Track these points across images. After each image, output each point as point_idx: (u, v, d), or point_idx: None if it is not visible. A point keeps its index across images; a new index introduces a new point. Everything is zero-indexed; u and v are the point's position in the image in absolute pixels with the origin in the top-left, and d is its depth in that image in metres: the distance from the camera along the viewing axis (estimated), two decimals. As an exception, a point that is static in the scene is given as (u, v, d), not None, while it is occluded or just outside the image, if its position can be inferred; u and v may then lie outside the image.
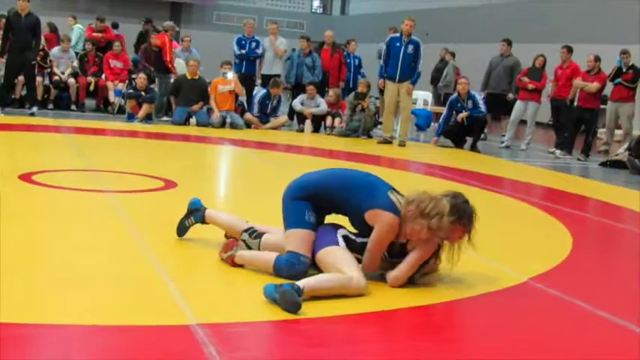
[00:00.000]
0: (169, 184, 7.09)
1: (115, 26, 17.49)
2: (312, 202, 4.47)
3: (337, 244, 4.33)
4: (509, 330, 3.96)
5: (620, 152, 12.75)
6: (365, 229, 4.41)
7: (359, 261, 4.37)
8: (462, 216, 4.32)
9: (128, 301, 3.78)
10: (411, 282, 4.39)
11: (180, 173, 7.92)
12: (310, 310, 3.79)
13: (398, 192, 4.46)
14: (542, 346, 3.74)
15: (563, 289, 4.46)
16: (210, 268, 4.58)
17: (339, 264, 4.18)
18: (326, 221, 4.60)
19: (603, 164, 12.63)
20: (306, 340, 3.54)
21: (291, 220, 4.45)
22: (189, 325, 3.43)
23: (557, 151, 13.71)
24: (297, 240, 4.37)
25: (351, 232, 4.50)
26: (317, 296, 3.96)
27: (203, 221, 5.02)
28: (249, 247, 4.64)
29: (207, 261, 4.76)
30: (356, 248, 4.40)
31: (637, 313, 4.20)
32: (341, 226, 4.52)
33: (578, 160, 13.21)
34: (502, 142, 14.45)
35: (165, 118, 13.80)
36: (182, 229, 5.05)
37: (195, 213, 5.05)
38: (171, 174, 7.63)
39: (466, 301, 4.23)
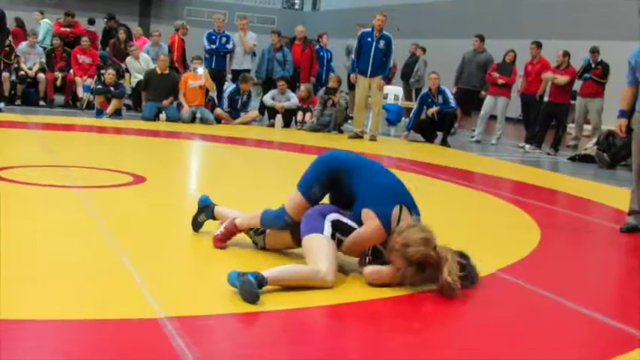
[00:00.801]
0: (138, 179, 7.08)
1: (92, 22, 17.37)
2: (330, 177, 4.62)
3: (322, 232, 4.37)
4: (477, 319, 4.02)
5: (589, 147, 12.88)
6: (360, 221, 4.49)
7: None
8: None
9: (96, 296, 3.77)
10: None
11: (149, 168, 7.90)
12: (275, 301, 3.82)
13: (411, 207, 4.48)
14: (508, 334, 3.80)
15: (531, 280, 4.51)
16: (178, 263, 4.60)
17: (316, 253, 4.25)
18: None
19: (572, 158, 12.75)
20: (274, 332, 3.57)
21: (301, 183, 4.69)
22: (157, 319, 3.44)
23: (527, 146, 13.83)
24: (293, 202, 4.63)
25: (345, 215, 4.52)
26: (285, 286, 4.03)
27: (213, 217, 5.19)
28: (256, 243, 4.89)
29: (175, 256, 4.78)
30: (345, 231, 4.45)
31: (602, 303, 4.27)
32: (335, 210, 4.55)
33: (548, 154, 13.33)
34: (472, 137, 14.55)
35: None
36: (197, 225, 5.24)
37: (206, 210, 5.23)
38: (140, 169, 7.61)
39: (435, 293, 4.27)
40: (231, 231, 4.90)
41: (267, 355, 3.21)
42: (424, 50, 18.30)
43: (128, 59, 14.84)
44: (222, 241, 4.91)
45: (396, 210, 4.41)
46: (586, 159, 12.51)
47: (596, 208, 8.21)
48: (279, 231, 4.74)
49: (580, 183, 10.01)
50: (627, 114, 6.57)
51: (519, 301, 4.28)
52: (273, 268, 4.09)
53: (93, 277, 4.09)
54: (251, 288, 3.78)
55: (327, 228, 4.40)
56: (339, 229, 4.44)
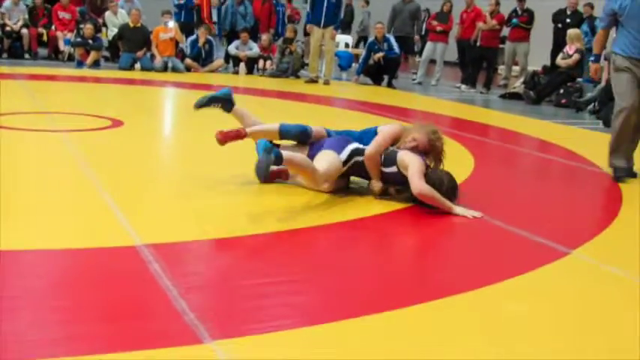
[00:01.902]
0: (116, 123, 6.97)
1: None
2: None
3: (338, 153, 4.58)
4: (412, 238, 4.07)
5: (517, 85, 12.96)
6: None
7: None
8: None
9: (77, 228, 3.73)
10: (385, 193, 4.65)
11: (126, 113, 7.77)
12: (252, 226, 3.82)
13: None
14: (441, 252, 3.85)
15: (463, 202, 4.54)
16: (156, 197, 4.55)
17: (322, 160, 4.50)
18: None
19: (502, 96, 12.83)
20: (246, 254, 3.57)
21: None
22: (134, 246, 3.41)
23: (463, 86, 13.86)
24: (316, 127, 4.90)
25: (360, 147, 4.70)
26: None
27: (228, 110, 5.20)
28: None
29: (153, 191, 4.74)
30: (361, 153, 4.63)
31: (526, 221, 4.33)
32: (359, 141, 4.76)
33: (481, 93, 13.38)
34: (414, 80, 14.54)
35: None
36: (203, 104, 5.18)
37: (225, 102, 5.20)
38: (118, 114, 7.49)
39: (384, 215, 4.30)
40: (238, 134, 4.79)
41: (239, 274, 3.20)
42: (367, 2, 18.24)
43: (107, 14, 14.57)
44: (226, 136, 4.77)
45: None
46: (514, 96, 12.60)
47: (523, 139, 8.28)
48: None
49: (509, 118, 10.07)
50: (599, 57, 6.31)
51: (451, 221, 4.31)
52: (287, 151, 4.32)
53: (74, 211, 4.04)
54: (266, 168, 4.05)
55: (345, 154, 4.59)
56: (357, 153, 4.62)
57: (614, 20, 5.84)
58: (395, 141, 4.71)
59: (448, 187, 4.45)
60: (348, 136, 4.85)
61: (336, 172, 4.56)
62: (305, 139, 4.82)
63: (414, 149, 4.61)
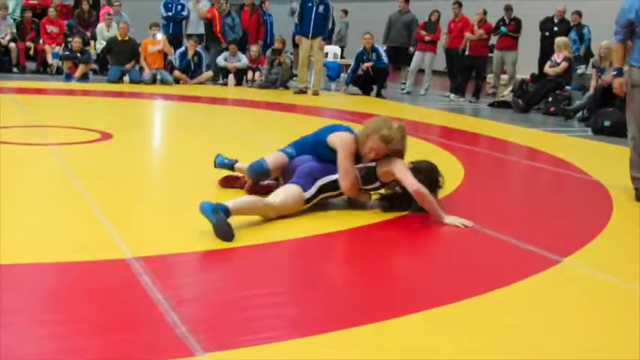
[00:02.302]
0: (105, 136, 6.96)
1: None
2: (299, 147, 4.88)
3: (304, 190, 4.40)
4: (404, 248, 4.07)
5: (506, 94, 13.04)
6: (333, 156, 4.61)
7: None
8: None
9: (67, 241, 3.71)
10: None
11: (115, 126, 7.76)
12: (242, 238, 3.82)
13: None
14: (432, 260, 3.85)
15: (453, 211, 4.54)
16: (146, 210, 4.55)
17: (282, 193, 4.34)
18: None
19: (491, 105, 12.88)
20: (234, 267, 3.56)
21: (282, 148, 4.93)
22: (125, 259, 3.40)
23: (452, 95, 13.90)
24: (272, 155, 4.83)
25: (335, 173, 4.55)
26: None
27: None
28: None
29: (143, 203, 4.74)
30: (332, 187, 4.53)
31: (517, 230, 4.33)
32: (330, 172, 4.56)
33: (470, 102, 13.43)
34: (403, 89, 14.57)
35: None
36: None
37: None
38: (107, 127, 7.48)
39: (374, 225, 4.31)
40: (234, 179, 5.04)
41: (230, 286, 3.20)
42: (346, 12, 18.44)
43: (100, 26, 14.58)
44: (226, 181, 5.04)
45: (345, 127, 4.79)
46: (503, 105, 12.65)
47: (512, 147, 8.30)
48: None
49: (498, 126, 10.10)
50: (621, 71, 5.85)
51: (442, 231, 4.31)
52: (234, 200, 4.10)
53: (64, 224, 4.03)
54: (228, 229, 3.79)
55: (311, 192, 4.44)
56: (330, 189, 4.52)
57: (631, 31, 5.62)
58: (355, 155, 4.62)
59: (438, 173, 4.62)
60: (317, 169, 4.59)
61: (293, 209, 4.35)
62: (265, 177, 4.80)
63: (378, 157, 4.57)
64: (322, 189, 4.48)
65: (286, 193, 4.36)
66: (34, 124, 7.58)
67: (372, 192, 4.72)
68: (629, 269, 3.75)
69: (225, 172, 5.12)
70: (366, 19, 15.70)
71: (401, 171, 4.47)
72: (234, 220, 3.91)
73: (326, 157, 4.64)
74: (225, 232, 3.78)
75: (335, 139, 4.63)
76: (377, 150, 4.53)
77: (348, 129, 4.77)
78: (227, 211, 3.87)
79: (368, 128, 4.58)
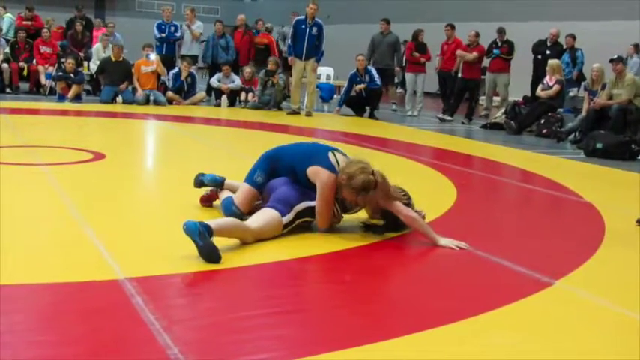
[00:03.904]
0: (98, 156, 6.96)
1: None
2: (267, 161, 4.75)
3: (282, 215, 4.34)
4: (398, 271, 4.08)
5: (498, 116, 13.08)
6: (311, 186, 4.49)
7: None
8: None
9: (60, 262, 3.71)
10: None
11: (108, 146, 7.77)
12: (235, 259, 3.83)
13: (340, 152, 4.63)
14: (424, 282, 3.86)
15: (446, 233, 4.55)
16: (138, 231, 4.54)
17: (260, 220, 4.26)
18: None
19: (484, 126, 12.93)
20: (227, 287, 3.56)
21: (246, 177, 4.78)
22: (117, 280, 3.40)
23: (441, 116, 13.92)
24: (241, 192, 4.73)
25: (310, 198, 4.49)
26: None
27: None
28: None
29: (136, 224, 4.72)
30: (309, 214, 4.48)
31: (509, 252, 4.34)
32: (302, 199, 4.49)
33: (463, 123, 13.49)
34: (395, 110, 14.61)
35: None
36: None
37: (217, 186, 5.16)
38: (100, 147, 7.49)
39: (369, 246, 4.31)
40: (212, 196, 5.09)
41: (223, 306, 3.19)
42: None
43: (97, 46, 14.64)
44: (206, 200, 5.10)
45: (331, 156, 4.52)
46: (496, 127, 12.71)
47: (505, 169, 8.34)
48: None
49: (491, 148, 10.15)
50: None
51: (436, 252, 4.32)
52: (215, 220, 4.08)
53: (56, 244, 4.03)
54: (215, 251, 3.77)
55: (288, 218, 4.38)
56: (307, 215, 4.47)
57: None
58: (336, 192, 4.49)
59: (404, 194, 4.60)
60: (295, 196, 4.50)
61: (270, 234, 4.29)
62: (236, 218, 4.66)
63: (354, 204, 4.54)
64: (299, 215, 4.44)
65: (265, 218, 4.30)
66: (26, 145, 7.58)
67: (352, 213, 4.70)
68: (621, 292, 3.76)
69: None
70: (360, 41, 15.77)
71: (385, 201, 4.43)
72: (218, 241, 3.91)
73: (304, 184, 4.54)
74: (211, 255, 3.77)
75: (316, 179, 4.45)
76: (349, 199, 4.45)
77: (327, 161, 4.48)
78: (210, 231, 3.86)
79: (343, 174, 4.36)
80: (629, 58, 14.96)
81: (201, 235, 3.78)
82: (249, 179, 4.74)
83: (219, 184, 5.09)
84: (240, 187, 4.77)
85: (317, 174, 4.44)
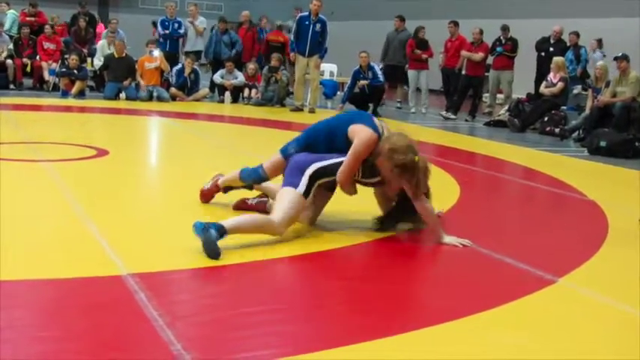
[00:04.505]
0: (101, 152, 6.97)
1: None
2: (309, 140, 4.60)
3: (296, 187, 4.25)
4: (402, 267, 4.08)
5: (502, 113, 13.06)
6: (347, 148, 4.35)
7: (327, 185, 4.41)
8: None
9: (63, 258, 3.72)
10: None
11: (111, 142, 7.79)
12: (237, 255, 3.83)
13: (384, 122, 4.57)
14: (428, 279, 3.86)
15: (449, 230, 4.56)
16: (141, 226, 4.54)
17: (282, 204, 4.20)
18: None
19: (487, 124, 12.92)
20: (231, 283, 3.57)
21: (283, 147, 4.66)
22: (120, 276, 3.41)
23: (445, 113, 13.90)
24: (270, 159, 4.65)
25: (325, 158, 4.39)
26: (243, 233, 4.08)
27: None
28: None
29: (139, 220, 4.73)
30: (332, 171, 4.35)
31: (513, 249, 4.34)
32: (314, 160, 4.38)
33: (466, 120, 13.47)
34: (400, 107, 14.62)
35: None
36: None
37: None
38: (103, 143, 7.50)
39: (371, 243, 4.31)
40: (213, 189, 4.98)
41: (226, 303, 3.20)
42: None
43: (102, 43, 14.64)
44: (206, 196, 5.02)
45: (375, 119, 4.47)
46: (499, 124, 12.68)
47: (508, 166, 8.33)
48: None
49: (494, 145, 10.14)
50: None
51: (439, 250, 4.32)
52: (232, 218, 4.07)
53: (60, 241, 4.04)
54: (214, 247, 3.77)
55: (303, 184, 4.26)
56: (322, 175, 4.33)
57: None
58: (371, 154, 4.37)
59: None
60: (304, 160, 4.40)
61: (297, 211, 4.25)
62: (259, 182, 4.74)
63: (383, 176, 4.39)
64: (314, 177, 4.31)
65: (282, 201, 4.23)
66: (30, 141, 7.59)
67: (366, 185, 4.59)
68: (624, 290, 3.75)
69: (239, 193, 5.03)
70: (363, 37, 15.80)
71: (411, 187, 4.30)
72: (234, 239, 3.93)
73: (340, 146, 4.40)
74: (210, 251, 3.77)
75: (355, 136, 4.33)
76: (385, 170, 4.30)
77: (372, 122, 4.42)
78: (221, 230, 3.86)
79: (388, 143, 4.26)
80: (592, 52, 14.98)
81: (204, 230, 3.80)
82: (283, 149, 4.64)
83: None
84: (274, 155, 4.67)
85: (358, 131, 4.35)
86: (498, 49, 13.63)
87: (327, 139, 4.53)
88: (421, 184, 4.30)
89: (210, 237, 3.78)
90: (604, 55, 14.50)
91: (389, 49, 14.82)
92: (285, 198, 4.25)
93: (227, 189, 5.00)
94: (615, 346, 3.00)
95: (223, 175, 4.99)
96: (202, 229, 3.82)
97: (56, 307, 3.06)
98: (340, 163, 4.36)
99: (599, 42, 15.29)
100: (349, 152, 4.33)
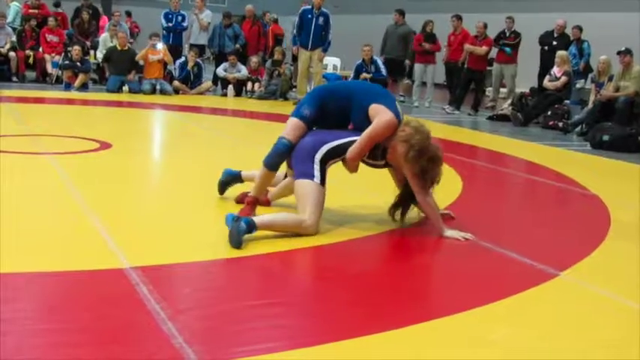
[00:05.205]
0: (104, 145, 6.97)
1: (57, 4, 16.89)
2: (320, 95, 4.51)
3: (312, 178, 4.20)
4: (403, 261, 4.08)
5: (505, 107, 13.05)
6: (364, 125, 4.27)
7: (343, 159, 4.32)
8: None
9: (66, 250, 3.72)
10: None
11: (114, 135, 7.78)
12: (233, 250, 3.83)
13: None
14: (431, 273, 3.86)
15: (451, 224, 4.56)
16: (144, 219, 4.54)
17: (305, 201, 4.16)
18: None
19: (490, 118, 12.90)
20: (232, 276, 3.57)
21: (294, 111, 4.51)
22: (122, 269, 3.41)
23: (448, 108, 13.89)
24: (288, 125, 4.42)
25: (336, 136, 4.31)
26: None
27: (242, 181, 5.00)
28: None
29: (141, 212, 4.73)
30: (342, 150, 4.28)
31: (515, 243, 4.34)
32: (323, 140, 4.30)
33: (469, 114, 13.46)
34: (403, 102, 14.60)
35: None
36: (222, 190, 5.01)
37: (234, 180, 4.99)
38: (106, 136, 7.50)
39: (372, 237, 4.31)
40: (254, 203, 4.53)
41: (228, 296, 3.20)
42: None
43: (105, 35, 14.61)
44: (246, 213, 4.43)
45: (398, 104, 4.40)
46: (502, 118, 12.68)
47: (511, 160, 8.32)
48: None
49: (497, 139, 10.13)
50: None
51: (440, 243, 4.32)
52: (264, 215, 4.14)
53: (62, 233, 4.04)
54: (238, 236, 3.83)
55: (317, 173, 4.21)
56: (332, 156, 4.27)
57: None
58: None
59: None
60: (313, 142, 4.30)
61: (323, 205, 4.22)
62: (289, 152, 4.38)
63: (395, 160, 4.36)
64: (323, 161, 4.25)
65: (305, 198, 4.16)
66: (33, 133, 7.58)
67: (369, 166, 4.55)
68: (625, 285, 3.75)
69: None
70: (367, 31, 15.77)
71: (417, 176, 4.30)
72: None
73: (355, 119, 4.34)
74: (234, 239, 3.84)
75: (376, 115, 4.23)
76: (399, 154, 4.27)
77: (395, 107, 4.34)
78: (251, 224, 3.91)
79: (408, 127, 4.29)
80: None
81: (234, 220, 3.90)
82: (296, 112, 4.46)
83: (237, 177, 4.97)
84: (288, 121, 4.46)
85: (381, 112, 4.24)
86: (507, 49, 13.54)
87: (343, 105, 4.40)
88: (429, 175, 4.30)
89: (239, 228, 3.85)
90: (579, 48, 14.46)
91: (387, 43, 14.76)
92: (306, 194, 4.19)
93: (222, 190, 4.98)
94: (617, 340, 3.00)
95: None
96: (233, 219, 3.91)
97: (58, 300, 3.06)
98: (351, 142, 4.28)
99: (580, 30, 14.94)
100: (366, 131, 4.24)
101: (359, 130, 4.33)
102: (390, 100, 4.39)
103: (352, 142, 4.29)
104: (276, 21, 16.32)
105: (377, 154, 4.40)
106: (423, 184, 4.32)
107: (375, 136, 4.26)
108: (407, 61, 14.82)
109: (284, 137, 4.38)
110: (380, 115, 4.25)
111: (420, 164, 4.25)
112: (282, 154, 4.39)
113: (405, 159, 4.25)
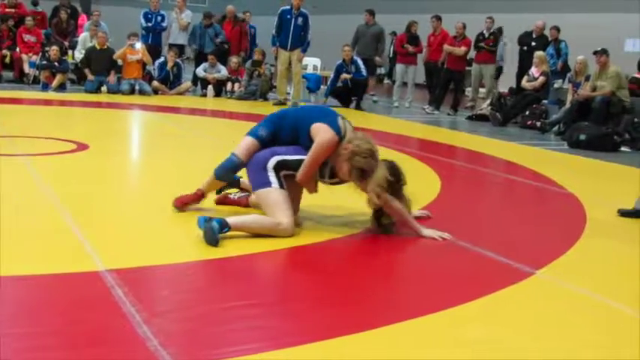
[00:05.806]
0: (81, 147, 6.92)
1: (35, 4, 16.75)
2: (274, 117, 4.61)
3: (270, 185, 4.24)
4: (380, 261, 4.08)
5: (484, 107, 13.09)
6: (310, 146, 4.30)
7: (294, 177, 4.32)
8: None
9: (40, 253, 3.69)
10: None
11: (91, 136, 7.73)
12: (216, 251, 3.83)
13: (349, 123, 4.48)
14: (408, 273, 3.86)
15: (428, 223, 4.57)
16: (120, 221, 4.51)
17: (273, 208, 4.18)
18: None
19: (470, 118, 12.95)
20: (210, 278, 3.56)
21: (251, 130, 4.58)
22: (97, 271, 3.39)
23: (428, 108, 13.92)
24: (242, 143, 4.50)
25: (287, 152, 4.35)
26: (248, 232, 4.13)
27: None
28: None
29: (117, 214, 4.70)
30: (292, 166, 4.31)
31: (492, 242, 4.36)
32: (274, 153, 4.35)
33: (448, 114, 13.50)
34: (375, 101, 14.62)
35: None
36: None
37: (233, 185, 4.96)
38: (83, 137, 7.45)
39: (351, 237, 4.31)
40: (196, 197, 4.71)
41: (204, 298, 3.19)
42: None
43: (84, 35, 14.50)
44: (182, 202, 4.69)
45: (340, 120, 4.40)
46: (481, 118, 12.73)
47: (490, 160, 8.36)
48: None
49: (476, 139, 10.16)
50: None
51: (418, 243, 4.33)
52: (238, 216, 4.16)
53: (37, 236, 4.00)
54: (213, 234, 3.87)
55: (273, 179, 4.25)
56: (283, 167, 4.30)
57: None
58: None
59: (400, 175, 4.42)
60: (264, 155, 4.37)
61: (290, 206, 4.25)
62: (236, 170, 4.56)
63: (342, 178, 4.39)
64: (277, 169, 4.28)
65: (271, 205, 4.19)
66: (8, 135, 7.51)
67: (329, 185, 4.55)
68: (602, 282, 3.78)
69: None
70: (347, 31, 15.74)
71: (363, 189, 4.34)
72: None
73: (303, 141, 4.36)
74: (210, 237, 3.89)
75: (316, 135, 4.28)
76: (343, 174, 4.32)
77: (335, 124, 4.34)
78: (224, 223, 3.95)
79: (350, 144, 4.25)
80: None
81: (206, 221, 3.92)
82: (253, 132, 4.54)
83: (235, 183, 4.93)
84: (244, 138, 4.53)
85: (320, 130, 4.28)
86: (480, 44, 13.62)
87: (292, 130, 4.46)
88: (380, 188, 4.24)
89: (212, 227, 3.88)
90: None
91: (359, 42, 14.71)
92: (270, 200, 4.23)
93: (218, 191, 4.93)
94: (593, 337, 3.01)
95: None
96: (205, 220, 3.93)
97: (31, 304, 3.03)
98: (300, 160, 4.32)
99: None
100: (309, 153, 4.30)
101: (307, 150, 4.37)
102: (331, 118, 4.41)
103: (301, 160, 4.32)
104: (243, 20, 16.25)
105: (325, 172, 4.42)
106: (379, 194, 4.28)
107: (316, 157, 4.30)
108: (377, 59, 14.86)
109: (235, 155, 4.49)
110: (319, 134, 4.29)
111: (366, 181, 4.25)
112: (230, 170, 4.56)
113: (350, 178, 4.31)
